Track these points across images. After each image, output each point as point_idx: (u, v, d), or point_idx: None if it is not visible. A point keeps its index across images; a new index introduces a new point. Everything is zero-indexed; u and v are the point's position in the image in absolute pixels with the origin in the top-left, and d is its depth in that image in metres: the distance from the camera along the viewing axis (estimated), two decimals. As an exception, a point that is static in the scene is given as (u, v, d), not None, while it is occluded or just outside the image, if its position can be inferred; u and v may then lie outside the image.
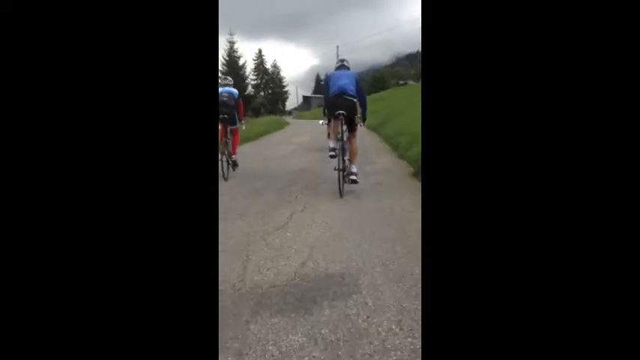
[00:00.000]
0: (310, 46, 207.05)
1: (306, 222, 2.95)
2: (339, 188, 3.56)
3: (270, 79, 51.50)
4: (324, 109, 4.04)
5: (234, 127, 4.92)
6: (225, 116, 4.64)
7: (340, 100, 3.52)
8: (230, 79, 5.22)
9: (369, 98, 5.08)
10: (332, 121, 3.64)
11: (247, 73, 40.94)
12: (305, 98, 55.86)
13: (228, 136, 4.81)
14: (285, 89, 53.74)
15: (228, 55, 39.29)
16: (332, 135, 3.67)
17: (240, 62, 40.34)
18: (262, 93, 50.12)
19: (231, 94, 4.86)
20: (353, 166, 3.63)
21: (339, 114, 3.48)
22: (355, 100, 3.59)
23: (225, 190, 4.06)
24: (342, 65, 3.88)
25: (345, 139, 3.62)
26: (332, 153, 3.59)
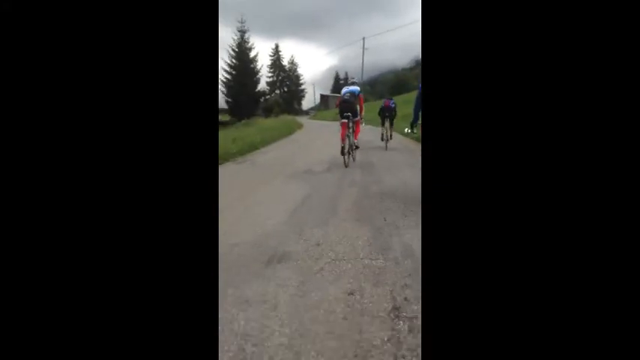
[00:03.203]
0: (329, 46, 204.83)
1: None
2: None
3: (287, 77, 49.55)
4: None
5: (356, 119, 5.70)
6: (348, 113, 5.51)
7: None
8: (355, 79, 6.56)
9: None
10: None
11: (259, 67, 37.74)
12: (322, 97, 53.64)
13: (351, 129, 5.62)
14: (302, 87, 51.78)
15: (237, 46, 35.33)
16: None
17: (252, 54, 36.03)
18: (278, 91, 48.20)
19: (352, 93, 5.65)
20: None
21: None
22: None
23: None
24: None
25: None
26: None
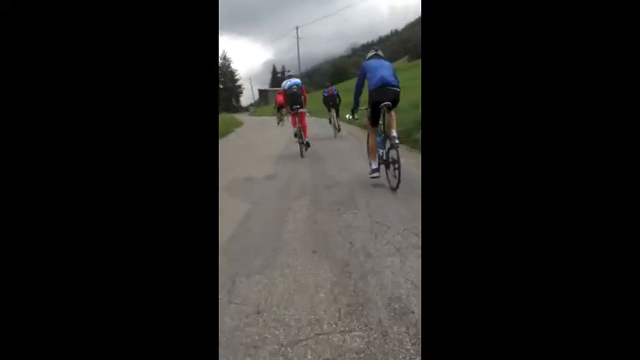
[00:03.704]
0: (263, 40, 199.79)
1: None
2: (387, 182, 3.30)
3: (221, 73, 47.11)
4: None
5: (302, 110, 5.80)
6: (297, 105, 5.75)
7: (384, 90, 3.13)
8: (292, 71, 6.47)
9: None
10: (372, 117, 3.30)
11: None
12: (261, 92, 51.75)
13: (297, 118, 5.79)
14: (239, 83, 49.68)
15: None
16: (372, 152, 3.42)
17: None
18: (213, 89, 45.73)
19: (297, 85, 5.83)
20: (394, 131, 3.22)
21: (385, 105, 3.14)
22: (398, 89, 3.20)
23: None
24: (376, 54, 3.50)
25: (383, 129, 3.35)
26: (375, 175, 3.39)
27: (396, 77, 3.24)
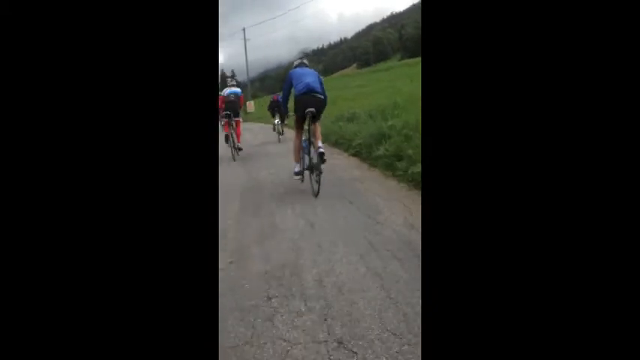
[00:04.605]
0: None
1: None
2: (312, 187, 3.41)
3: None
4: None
5: (237, 118, 6.30)
6: (228, 112, 6.06)
7: (309, 97, 3.28)
8: (234, 81, 6.78)
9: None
10: (296, 122, 3.48)
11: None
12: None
13: (233, 127, 6.18)
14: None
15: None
16: (296, 153, 3.55)
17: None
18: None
19: (236, 94, 6.27)
20: (319, 142, 3.32)
21: (309, 112, 3.25)
22: (323, 97, 3.38)
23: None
24: (302, 63, 3.67)
25: (309, 136, 3.44)
26: (298, 177, 3.55)
27: (321, 85, 3.37)
